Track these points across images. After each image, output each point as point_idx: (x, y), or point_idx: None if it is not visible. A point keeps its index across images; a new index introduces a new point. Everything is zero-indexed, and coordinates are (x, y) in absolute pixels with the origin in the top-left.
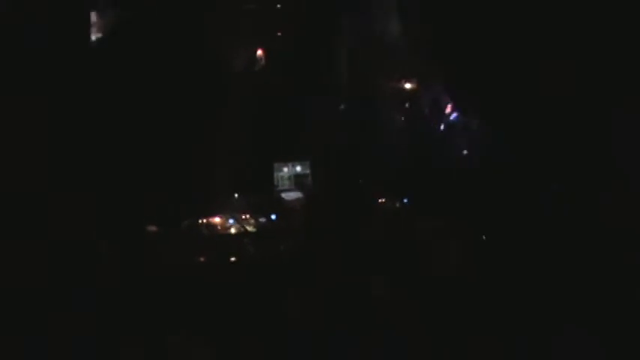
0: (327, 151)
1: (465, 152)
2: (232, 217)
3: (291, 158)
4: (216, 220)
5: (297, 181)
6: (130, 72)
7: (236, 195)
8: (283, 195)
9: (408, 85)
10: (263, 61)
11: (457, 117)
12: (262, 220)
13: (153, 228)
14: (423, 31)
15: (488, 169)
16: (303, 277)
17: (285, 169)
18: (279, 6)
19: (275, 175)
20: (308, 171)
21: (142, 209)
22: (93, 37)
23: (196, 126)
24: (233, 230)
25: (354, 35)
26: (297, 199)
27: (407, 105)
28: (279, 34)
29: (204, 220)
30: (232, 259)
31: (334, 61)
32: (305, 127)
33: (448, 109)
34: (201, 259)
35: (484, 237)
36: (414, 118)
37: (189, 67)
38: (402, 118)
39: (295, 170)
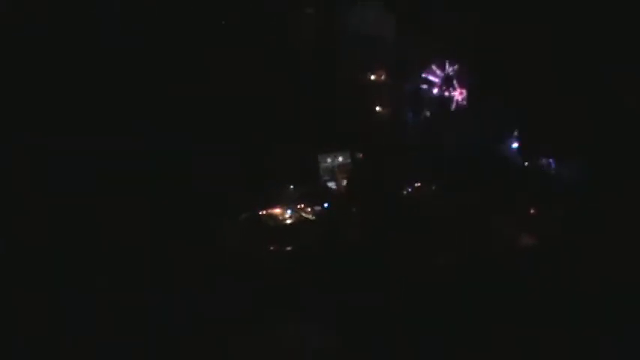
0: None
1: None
2: (290, 208)
3: (331, 149)
4: (276, 210)
5: (341, 170)
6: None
7: (291, 187)
8: (329, 184)
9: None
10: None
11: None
12: (317, 208)
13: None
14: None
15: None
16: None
17: (329, 160)
18: None
19: (320, 165)
20: (349, 160)
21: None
22: None
23: (246, 124)
24: (293, 219)
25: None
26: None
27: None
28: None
29: (264, 212)
30: (297, 245)
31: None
32: (341, 119)
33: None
34: (272, 247)
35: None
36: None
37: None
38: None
39: (338, 160)
